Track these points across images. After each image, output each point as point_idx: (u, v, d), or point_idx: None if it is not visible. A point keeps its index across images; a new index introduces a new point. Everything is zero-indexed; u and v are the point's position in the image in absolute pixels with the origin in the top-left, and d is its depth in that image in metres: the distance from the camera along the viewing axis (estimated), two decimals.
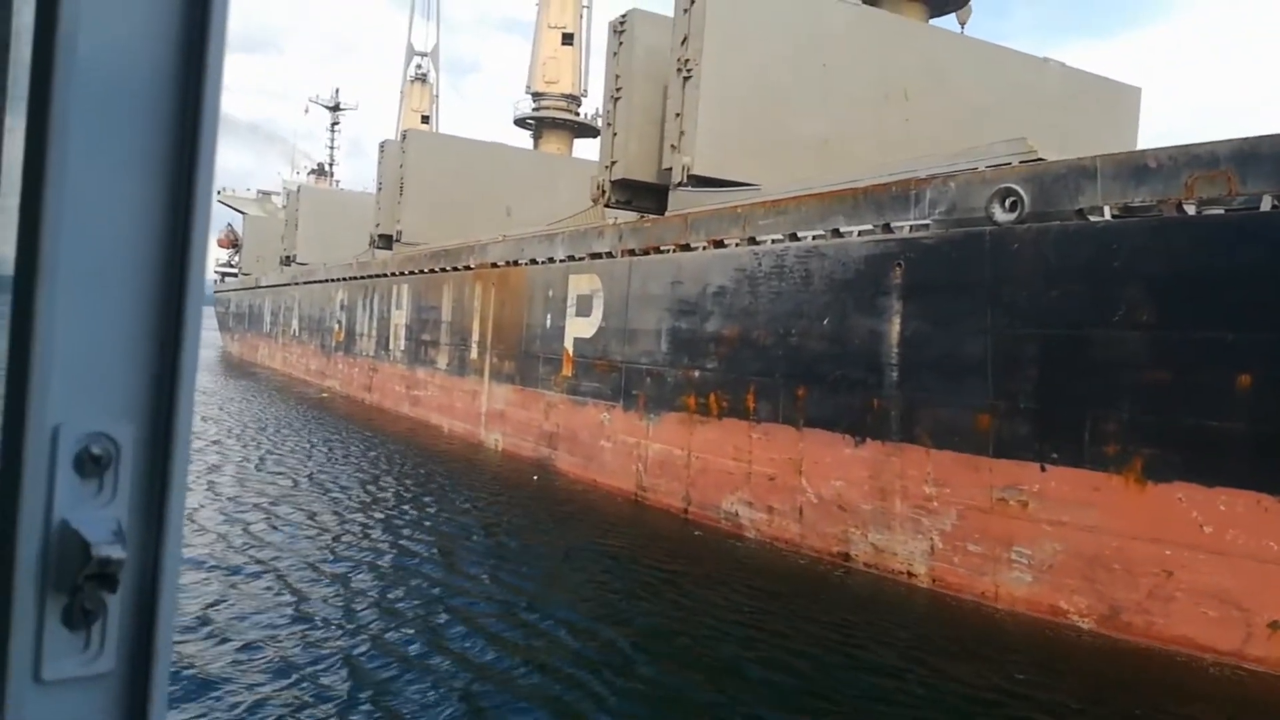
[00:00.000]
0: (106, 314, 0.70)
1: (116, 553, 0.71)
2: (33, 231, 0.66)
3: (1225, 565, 8.80)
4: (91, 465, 0.72)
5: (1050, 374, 10.00)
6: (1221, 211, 8.84)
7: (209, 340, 76.55)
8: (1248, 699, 8.11)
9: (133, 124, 0.68)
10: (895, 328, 11.56)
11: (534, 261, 20.51)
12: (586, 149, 54.52)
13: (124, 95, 0.67)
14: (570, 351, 18.56)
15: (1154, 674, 8.58)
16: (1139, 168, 9.29)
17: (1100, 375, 9.59)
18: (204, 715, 6.71)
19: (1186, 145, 9.07)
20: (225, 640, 8.30)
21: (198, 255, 0.74)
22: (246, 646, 8.18)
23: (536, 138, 52.74)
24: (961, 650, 9.06)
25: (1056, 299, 9.91)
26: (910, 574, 11.25)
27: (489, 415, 22.48)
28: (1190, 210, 9.02)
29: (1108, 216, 9.56)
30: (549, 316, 19.54)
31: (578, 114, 51.57)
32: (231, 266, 72.52)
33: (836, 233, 12.45)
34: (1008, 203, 10.30)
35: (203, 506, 13.84)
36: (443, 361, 25.58)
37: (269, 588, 10.02)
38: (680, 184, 18.18)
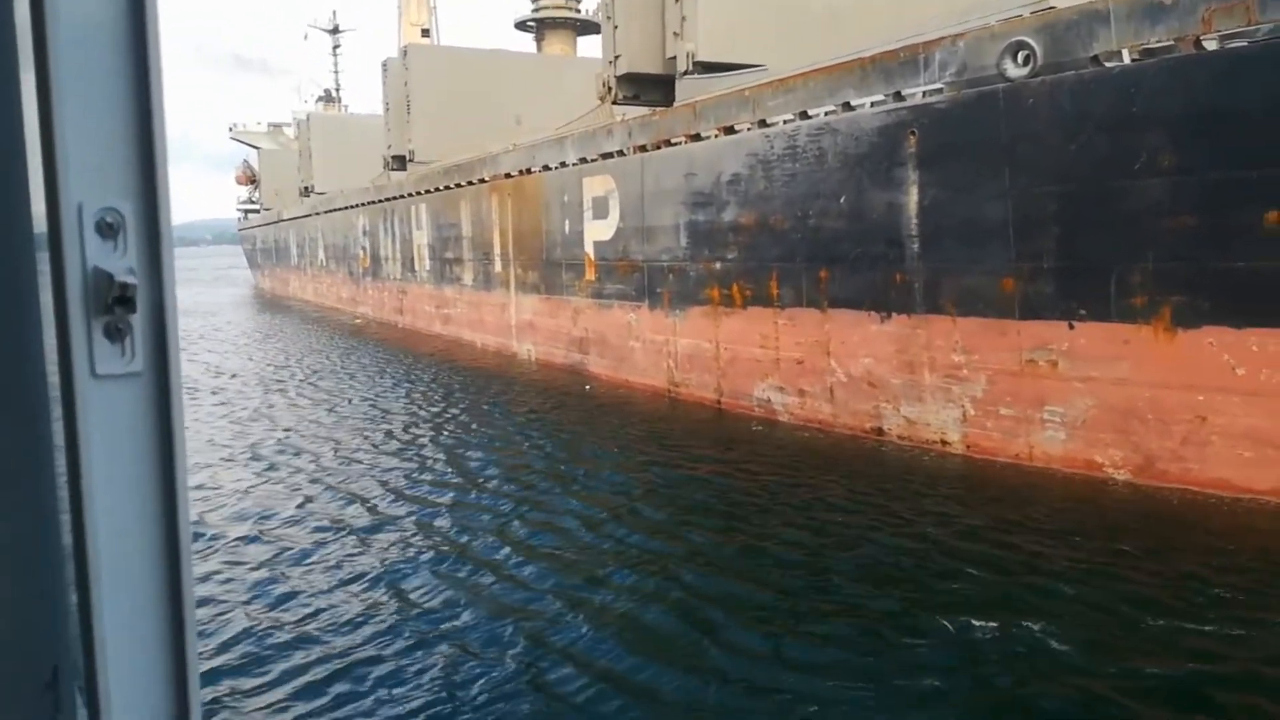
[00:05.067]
0: (107, 128, 1.06)
1: (131, 279, 1.05)
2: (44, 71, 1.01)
3: (1260, 405, 8.76)
4: (107, 229, 1.06)
5: (1073, 231, 9.83)
6: (1243, 44, 8.48)
7: (240, 278, 77.32)
8: None
9: None
10: (913, 198, 11.37)
11: (546, 168, 20.30)
12: (591, 47, 53.20)
13: None
14: (591, 255, 18.52)
15: (1191, 517, 8.67)
16: (1154, 5, 8.90)
17: (1124, 227, 9.40)
18: (271, 638, 7.07)
19: None
20: (284, 558, 8.68)
21: (156, 90, 1.08)
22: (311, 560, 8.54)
23: (539, 40, 51.50)
24: (999, 510, 9.19)
25: (1075, 153, 9.65)
26: (944, 442, 11.34)
27: (519, 326, 22.64)
28: (1210, 45, 8.67)
29: (1125, 61, 9.22)
30: (567, 222, 19.45)
31: (578, 10, 50.15)
32: (253, 203, 72.41)
33: (847, 106, 12.14)
34: (1020, 57, 9.95)
35: (252, 433, 14.26)
36: (468, 278, 25.67)
37: (340, 502, 10.38)
38: (686, 72, 17.69)
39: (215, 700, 6.08)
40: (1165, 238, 9.13)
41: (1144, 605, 6.80)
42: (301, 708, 5.97)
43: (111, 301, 1.05)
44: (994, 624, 6.61)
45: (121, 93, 1.06)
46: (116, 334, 1.06)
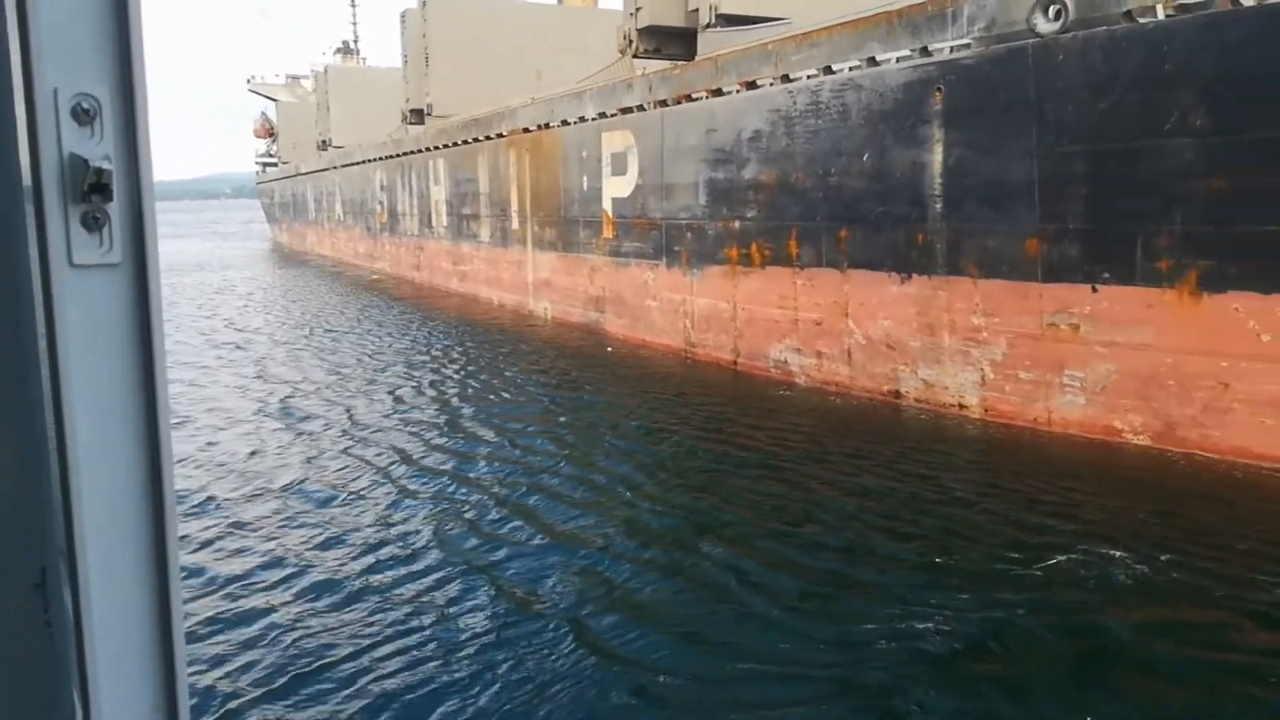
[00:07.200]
0: (83, 11, 1.02)
1: (107, 165, 1.03)
2: None
3: None
4: (83, 115, 1.03)
5: (1100, 192, 9.64)
6: None
7: (259, 232, 77.47)
8: None
9: None
10: (937, 157, 11.18)
11: (565, 123, 20.09)
12: None
13: None
14: (609, 213, 18.38)
15: (1210, 483, 8.58)
16: None
17: (1153, 189, 9.21)
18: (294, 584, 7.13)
19: None
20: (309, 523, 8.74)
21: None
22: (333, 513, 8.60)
23: None
24: (1017, 474, 9.13)
25: (1105, 112, 9.44)
26: (962, 406, 11.26)
27: (536, 284, 22.58)
28: (1248, 1, 8.41)
29: (1160, 16, 8.97)
30: (585, 178, 19.29)
31: None
32: (270, 156, 72.22)
33: (872, 61, 11.91)
34: (1051, 11, 9.71)
35: (265, 390, 14.34)
36: (485, 234, 25.57)
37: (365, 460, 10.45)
38: (709, 25, 17.46)
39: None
40: (1194, 200, 8.94)
41: (1158, 563, 6.76)
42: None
43: (88, 189, 1.03)
44: (1018, 584, 6.58)
45: None
46: (94, 223, 1.04)
